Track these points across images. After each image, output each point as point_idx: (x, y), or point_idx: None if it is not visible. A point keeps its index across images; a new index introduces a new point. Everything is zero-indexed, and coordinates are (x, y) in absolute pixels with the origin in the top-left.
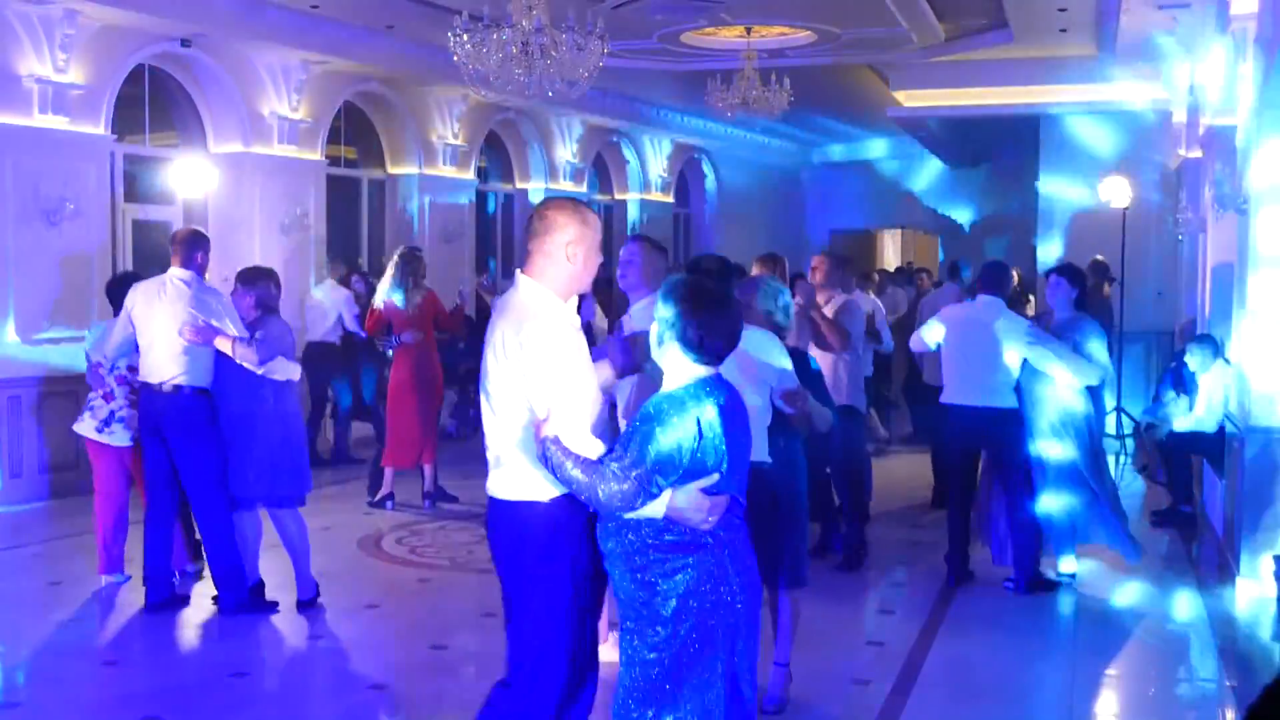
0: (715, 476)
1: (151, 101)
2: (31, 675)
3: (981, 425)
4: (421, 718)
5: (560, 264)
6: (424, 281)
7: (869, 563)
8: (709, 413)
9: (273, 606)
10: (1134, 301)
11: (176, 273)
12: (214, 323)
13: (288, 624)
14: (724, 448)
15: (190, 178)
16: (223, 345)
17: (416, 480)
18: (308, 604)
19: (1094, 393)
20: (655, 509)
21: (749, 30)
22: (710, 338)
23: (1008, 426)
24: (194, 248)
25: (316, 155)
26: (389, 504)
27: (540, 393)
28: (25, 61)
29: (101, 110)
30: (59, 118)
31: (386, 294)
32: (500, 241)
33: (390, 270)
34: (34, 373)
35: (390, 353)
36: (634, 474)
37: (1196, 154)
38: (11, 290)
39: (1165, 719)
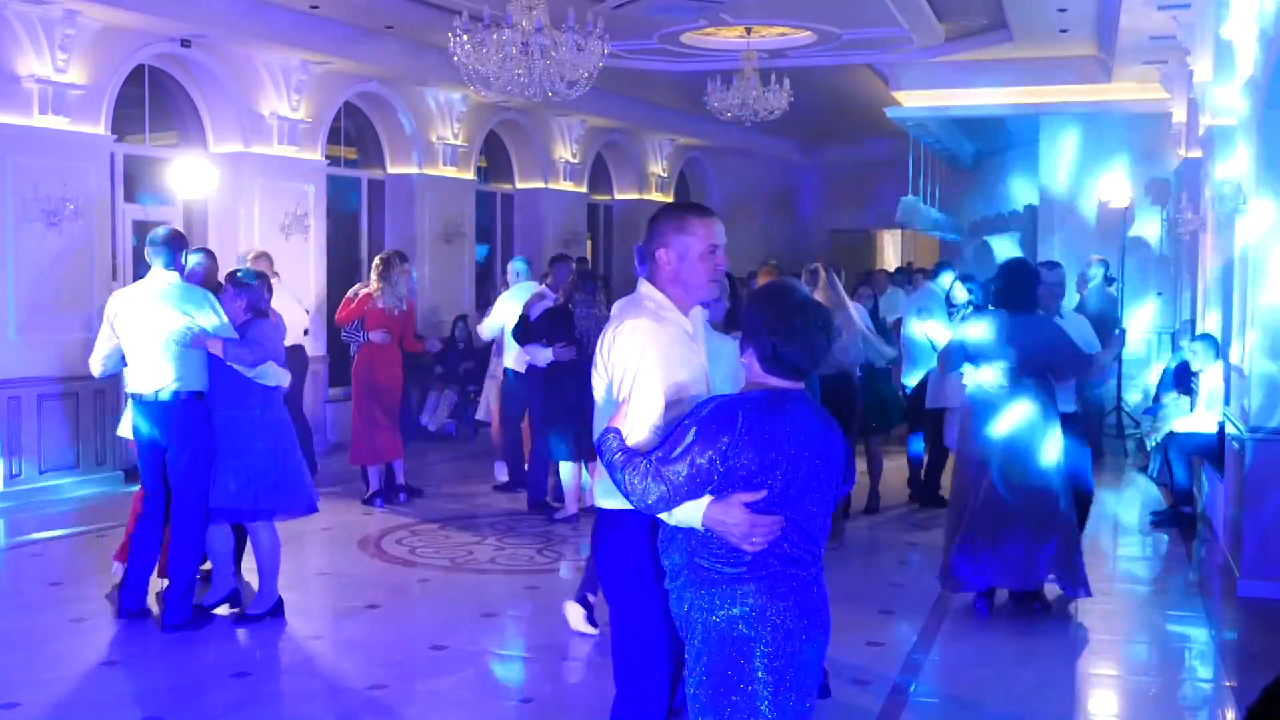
0: (762, 493)
1: (151, 102)
2: (31, 675)
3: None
4: (421, 718)
5: (661, 268)
6: (404, 288)
7: (870, 562)
8: (761, 424)
9: (211, 618)
10: (1134, 302)
11: (161, 275)
12: (202, 324)
13: (288, 625)
14: (773, 465)
15: (190, 178)
16: (214, 348)
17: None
18: (261, 617)
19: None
20: (692, 516)
21: (749, 31)
22: (787, 349)
23: None
24: (178, 248)
25: (316, 155)
26: (378, 502)
27: (620, 388)
28: (25, 62)
29: (101, 110)
30: (59, 118)
31: (376, 293)
32: (500, 241)
33: (378, 270)
34: (34, 372)
35: (352, 348)
36: (665, 470)
37: (1196, 154)
38: (11, 290)
39: (1165, 719)
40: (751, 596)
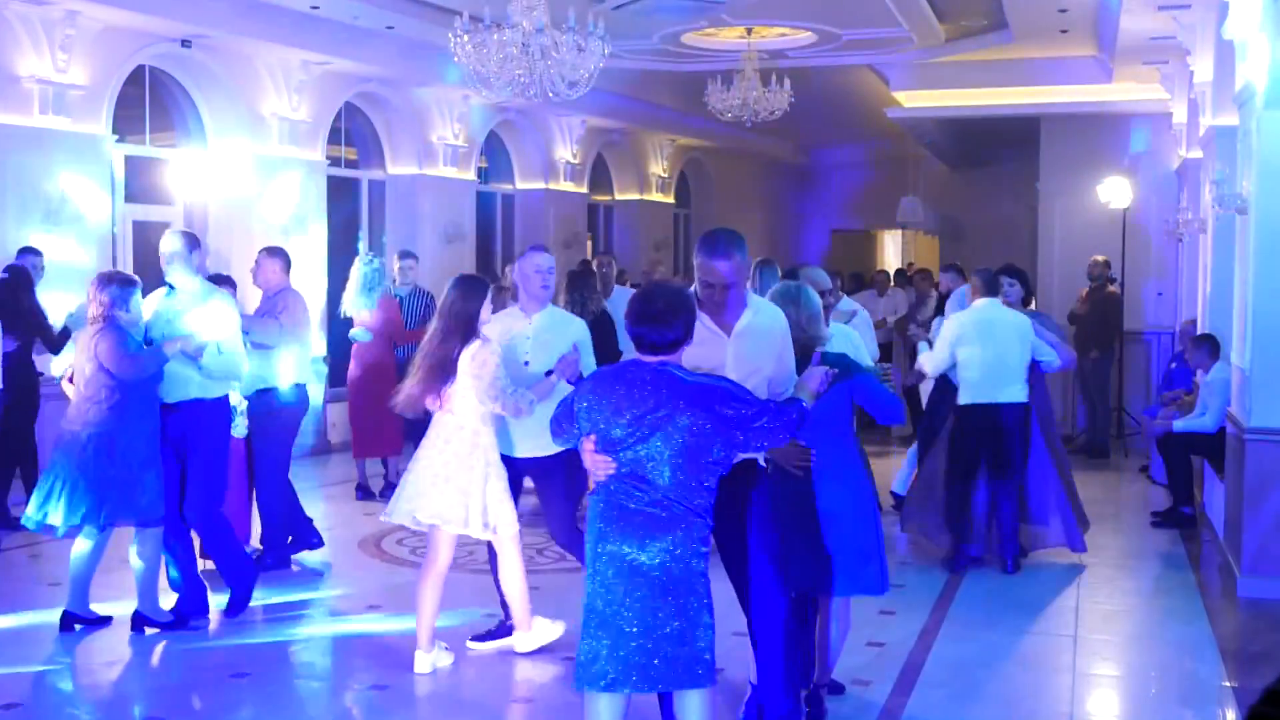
0: (591, 437)
1: (152, 102)
2: (31, 675)
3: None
4: (422, 718)
5: None
6: (383, 288)
7: None
8: (594, 389)
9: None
10: (1134, 302)
11: (185, 283)
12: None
13: (288, 624)
14: (596, 416)
15: (190, 178)
16: (170, 348)
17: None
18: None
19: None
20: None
21: (749, 31)
22: (633, 331)
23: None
24: (193, 249)
25: (317, 155)
26: (358, 494)
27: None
28: (26, 62)
29: (102, 110)
30: (60, 118)
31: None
32: (500, 242)
33: (360, 277)
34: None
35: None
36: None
37: (1197, 154)
38: None
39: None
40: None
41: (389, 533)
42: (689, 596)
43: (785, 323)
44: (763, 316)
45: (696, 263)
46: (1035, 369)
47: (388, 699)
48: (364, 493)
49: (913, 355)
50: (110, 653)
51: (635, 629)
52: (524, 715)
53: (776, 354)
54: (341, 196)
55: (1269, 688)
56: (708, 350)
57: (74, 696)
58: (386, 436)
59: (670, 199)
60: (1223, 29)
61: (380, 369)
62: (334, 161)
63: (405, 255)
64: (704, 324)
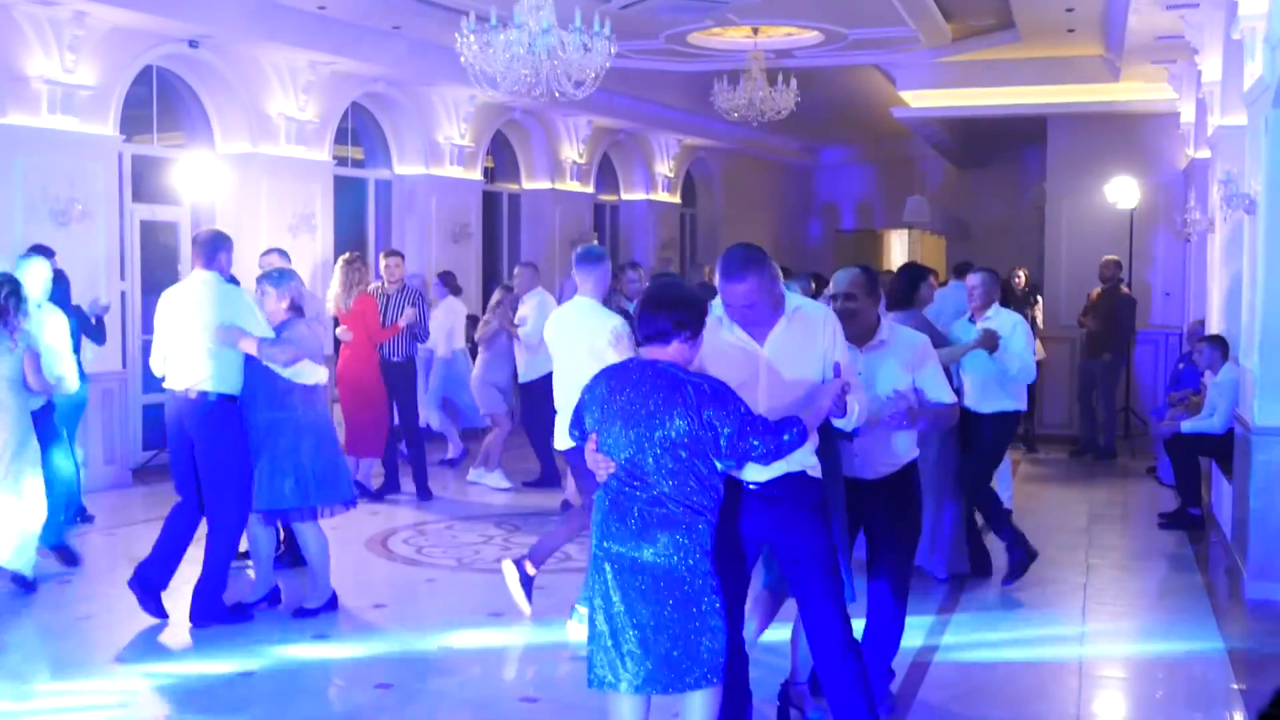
0: (592, 437)
1: (159, 102)
2: (38, 674)
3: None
4: (427, 717)
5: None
6: (362, 286)
7: None
8: (592, 390)
9: (249, 615)
10: (1142, 303)
11: (199, 274)
12: (238, 323)
13: (293, 624)
14: (597, 415)
15: (198, 178)
16: (247, 346)
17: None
18: (318, 611)
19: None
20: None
21: (756, 31)
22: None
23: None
24: (216, 248)
25: (324, 155)
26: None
27: None
28: (34, 62)
29: (110, 111)
30: (68, 118)
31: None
32: (506, 242)
33: (337, 274)
34: None
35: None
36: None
37: (1205, 154)
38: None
39: None
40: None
41: (395, 532)
42: (692, 596)
43: (827, 321)
44: (795, 323)
45: (719, 285)
46: None
47: (394, 698)
48: (360, 490)
49: None
50: (116, 651)
51: (634, 628)
52: (530, 715)
53: (820, 354)
54: (348, 196)
55: (1278, 690)
56: (739, 364)
57: (80, 694)
58: (367, 437)
59: (676, 199)
60: (1231, 29)
61: (358, 368)
62: (341, 161)
63: (391, 254)
64: (737, 337)
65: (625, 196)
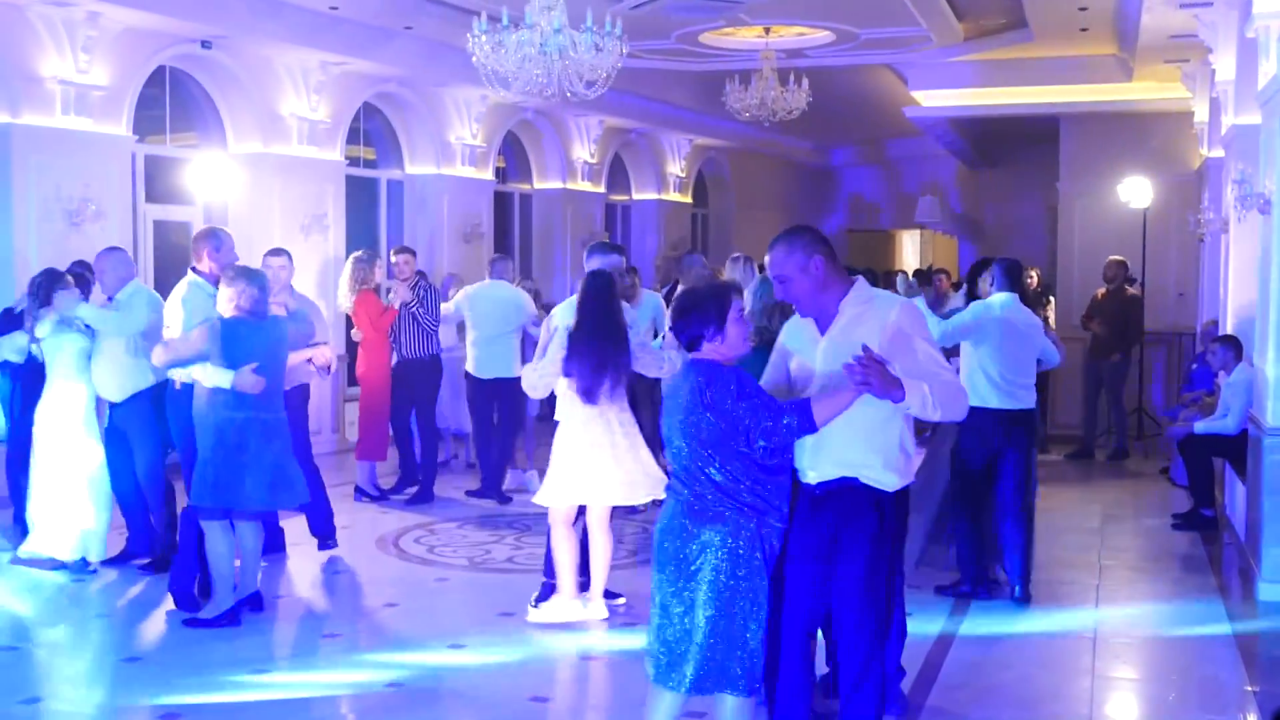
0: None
1: (172, 102)
2: (52, 671)
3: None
4: (438, 716)
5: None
6: (367, 284)
7: None
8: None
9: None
10: (1155, 303)
11: (189, 274)
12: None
13: (304, 621)
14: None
15: (210, 178)
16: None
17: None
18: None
19: None
20: None
21: (767, 30)
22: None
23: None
24: (198, 246)
25: (335, 155)
26: (358, 496)
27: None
28: (48, 63)
29: (123, 111)
30: (81, 118)
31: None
32: (518, 241)
33: (346, 273)
34: None
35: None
36: None
37: (1219, 154)
38: None
39: None
40: None
41: (407, 531)
42: (736, 595)
43: (894, 316)
44: (859, 312)
45: None
46: None
47: (404, 696)
48: (360, 494)
49: None
50: (127, 648)
51: (676, 624)
52: (541, 714)
53: (878, 346)
54: (360, 196)
55: None
56: (808, 352)
57: (92, 691)
58: (367, 439)
59: (688, 199)
60: (1245, 27)
61: (364, 370)
62: (352, 161)
63: (401, 251)
64: (809, 324)
65: (637, 196)
